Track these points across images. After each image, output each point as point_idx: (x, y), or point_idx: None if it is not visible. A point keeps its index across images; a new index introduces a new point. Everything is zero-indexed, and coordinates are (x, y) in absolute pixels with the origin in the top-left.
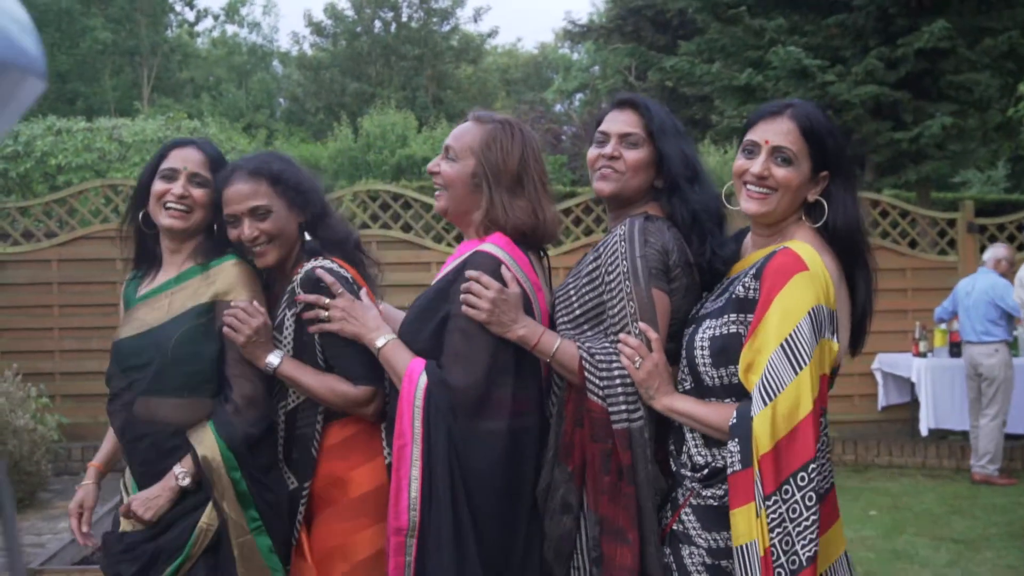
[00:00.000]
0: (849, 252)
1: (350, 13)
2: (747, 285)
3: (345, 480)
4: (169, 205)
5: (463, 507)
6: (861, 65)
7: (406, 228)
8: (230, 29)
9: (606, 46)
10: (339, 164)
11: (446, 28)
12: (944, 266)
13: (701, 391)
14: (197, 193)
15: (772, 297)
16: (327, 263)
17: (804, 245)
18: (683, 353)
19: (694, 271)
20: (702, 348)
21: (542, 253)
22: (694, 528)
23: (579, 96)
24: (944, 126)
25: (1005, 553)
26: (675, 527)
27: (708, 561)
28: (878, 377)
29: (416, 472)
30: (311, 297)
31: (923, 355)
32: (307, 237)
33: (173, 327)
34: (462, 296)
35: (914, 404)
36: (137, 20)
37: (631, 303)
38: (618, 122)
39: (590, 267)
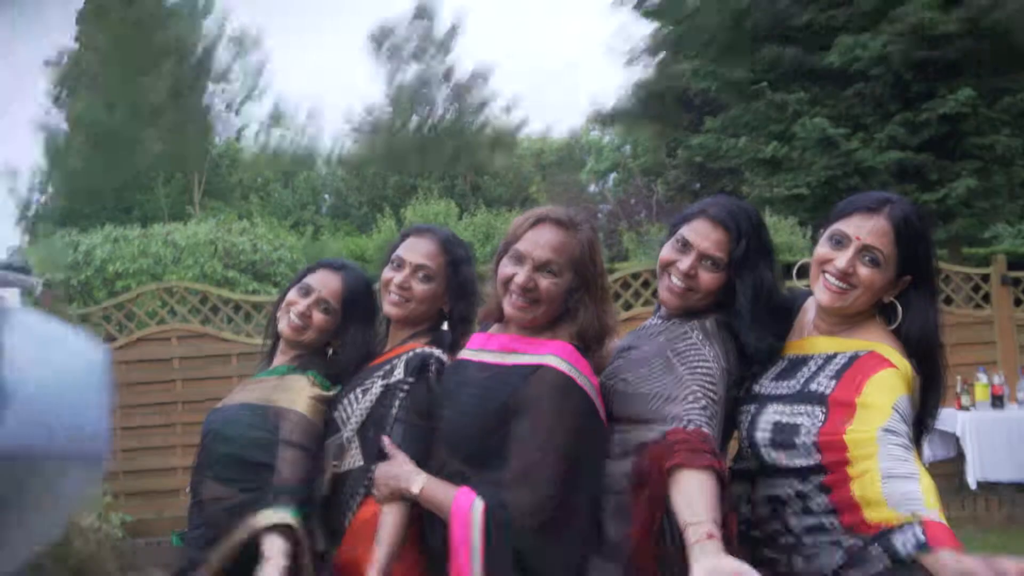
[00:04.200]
0: (925, 364)
1: (388, 111)
2: (824, 384)
3: (364, 563)
4: (292, 315)
5: None
6: (884, 132)
7: None
8: (275, 134)
9: (634, 129)
10: (384, 255)
11: (479, 121)
12: (980, 320)
13: (764, 470)
14: (318, 317)
15: (860, 387)
16: (436, 354)
17: (890, 349)
18: (743, 432)
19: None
20: (764, 431)
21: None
22: None
23: (612, 176)
24: (969, 187)
25: None
26: None
27: None
28: None
29: None
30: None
31: (966, 408)
32: (444, 327)
33: (230, 412)
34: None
35: (959, 458)
36: (187, 131)
37: (715, 405)
38: (706, 238)
39: (653, 357)
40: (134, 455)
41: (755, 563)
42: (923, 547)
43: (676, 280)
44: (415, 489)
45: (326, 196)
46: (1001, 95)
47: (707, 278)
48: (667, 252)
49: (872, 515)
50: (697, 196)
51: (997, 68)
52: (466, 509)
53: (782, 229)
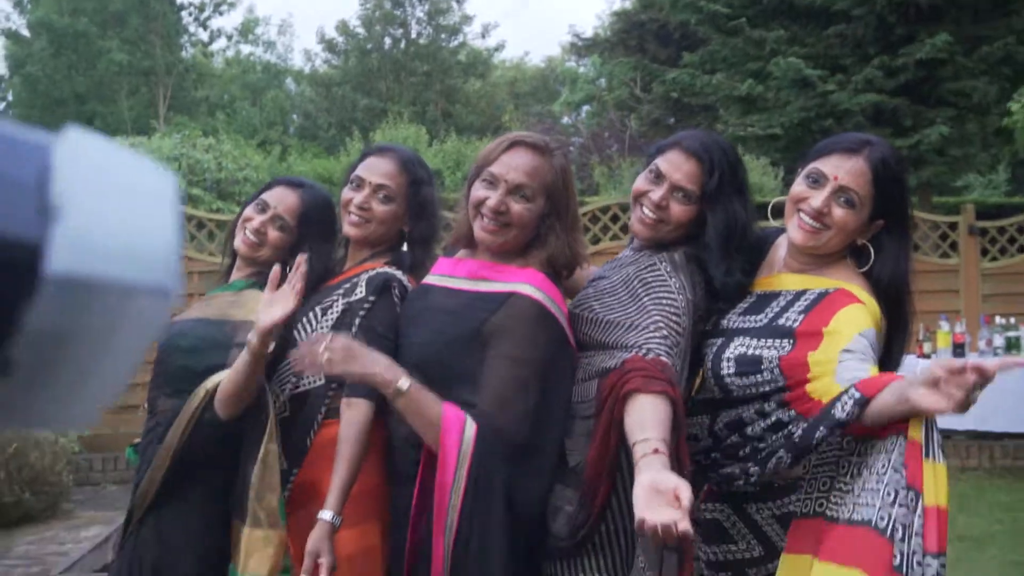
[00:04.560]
0: (892, 308)
1: (361, 31)
2: (793, 319)
3: (324, 484)
4: (248, 231)
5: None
6: (861, 74)
7: None
8: (244, 49)
9: (611, 59)
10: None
11: (454, 44)
12: (946, 269)
13: (728, 400)
14: (273, 234)
15: (827, 320)
16: (398, 276)
17: (859, 288)
18: (707, 363)
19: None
20: (728, 361)
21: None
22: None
23: (586, 108)
24: (942, 134)
25: (1010, 550)
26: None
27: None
28: None
29: (453, 519)
30: (308, 347)
31: (927, 356)
32: (404, 248)
33: (186, 326)
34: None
35: None
36: (152, 41)
37: (678, 336)
38: (678, 169)
39: (620, 287)
40: None
41: (711, 482)
42: (862, 402)
43: (647, 211)
44: (404, 385)
45: (294, 116)
46: (979, 43)
47: (678, 210)
48: (640, 182)
49: (823, 400)
50: (671, 131)
51: (977, 15)
52: (460, 422)
53: (754, 169)
